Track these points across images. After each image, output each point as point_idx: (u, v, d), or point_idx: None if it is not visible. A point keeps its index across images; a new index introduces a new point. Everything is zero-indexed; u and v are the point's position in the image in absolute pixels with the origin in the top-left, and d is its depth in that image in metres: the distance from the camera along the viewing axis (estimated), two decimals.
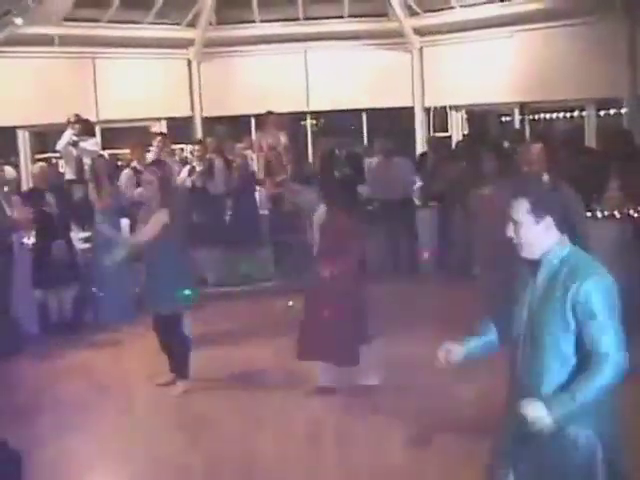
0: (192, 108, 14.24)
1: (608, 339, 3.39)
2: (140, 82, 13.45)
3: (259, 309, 9.84)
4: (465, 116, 14.41)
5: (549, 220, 3.54)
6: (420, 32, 13.85)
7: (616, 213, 9.02)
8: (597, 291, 3.41)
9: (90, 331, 9.33)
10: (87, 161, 10.46)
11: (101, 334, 9.25)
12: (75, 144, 10.96)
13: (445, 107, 14.25)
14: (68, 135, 11.05)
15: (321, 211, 7.18)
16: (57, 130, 11.78)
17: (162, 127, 13.85)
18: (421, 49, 13.98)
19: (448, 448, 5.93)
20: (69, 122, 11.03)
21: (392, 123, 15.78)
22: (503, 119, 15.33)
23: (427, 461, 5.81)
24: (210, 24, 13.96)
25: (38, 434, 6.49)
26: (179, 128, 14.19)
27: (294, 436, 6.40)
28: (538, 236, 3.56)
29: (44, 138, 13.72)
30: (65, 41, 12.44)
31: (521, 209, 3.55)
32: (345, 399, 7.02)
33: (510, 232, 3.62)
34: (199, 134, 13.89)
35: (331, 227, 6.97)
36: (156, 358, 7.75)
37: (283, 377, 7.53)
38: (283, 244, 11.20)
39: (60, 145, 11.13)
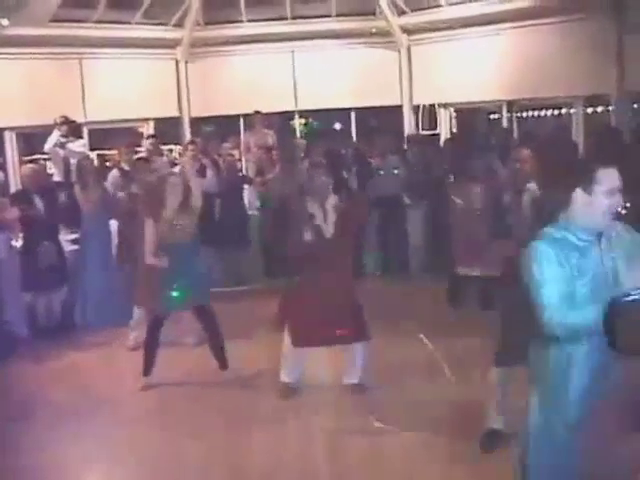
0: (180, 108, 14.21)
1: None
2: (128, 83, 13.40)
3: (248, 309, 9.82)
4: (454, 114, 14.44)
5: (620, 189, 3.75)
6: (408, 30, 13.86)
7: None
8: None
9: (79, 334, 9.29)
10: (74, 162, 10.44)
11: (90, 337, 9.19)
12: (62, 145, 10.95)
13: (434, 105, 14.27)
14: (55, 136, 11.03)
15: (333, 200, 7.13)
16: (44, 132, 11.75)
17: (150, 128, 13.83)
18: (409, 47, 13.99)
19: (431, 446, 5.97)
20: (56, 124, 11.00)
21: (380, 122, 15.80)
22: (492, 117, 15.37)
23: (411, 459, 5.84)
24: (197, 24, 13.92)
25: (29, 437, 6.48)
26: (167, 128, 14.16)
27: (286, 436, 6.43)
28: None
29: (31, 139, 13.68)
30: (52, 42, 12.38)
31: (617, 177, 3.74)
32: (334, 398, 7.07)
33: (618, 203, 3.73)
34: (187, 134, 13.87)
35: (345, 216, 7.00)
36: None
37: (272, 377, 7.53)
38: (272, 244, 11.18)
39: (47, 146, 11.11)
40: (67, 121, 11.06)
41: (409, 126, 14.16)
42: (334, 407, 6.93)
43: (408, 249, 11.57)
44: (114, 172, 10.13)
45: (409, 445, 6.07)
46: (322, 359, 7.57)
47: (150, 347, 7.56)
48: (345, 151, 11.90)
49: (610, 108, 12.21)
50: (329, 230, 6.93)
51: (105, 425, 6.77)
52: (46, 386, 7.80)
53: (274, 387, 7.26)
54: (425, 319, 8.93)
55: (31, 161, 11.71)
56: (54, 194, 9.46)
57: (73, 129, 11.26)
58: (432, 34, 13.58)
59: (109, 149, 13.74)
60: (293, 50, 14.10)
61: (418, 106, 14.29)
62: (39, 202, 9.03)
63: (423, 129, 14.24)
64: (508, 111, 13.19)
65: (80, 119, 12.36)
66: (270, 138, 12.29)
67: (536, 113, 14.25)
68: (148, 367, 7.57)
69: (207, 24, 14.09)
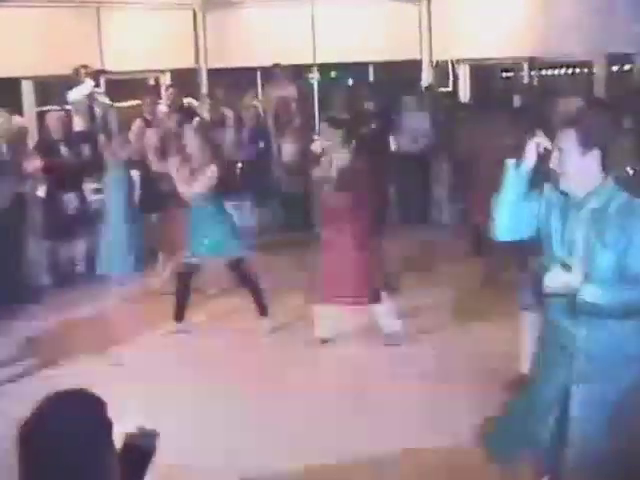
0: (197, 60, 14.08)
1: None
2: (145, 33, 13.24)
3: (268, 261, 9.85)
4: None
5: (596, 154, 3.52)
6: None
7: (629, 169, 8.97)
8: None
9: (103, 283, 9.29)
10: (98, 112, 10.40)
11: (113, 286, 9.19)
12: (92, 95, 10.85)
13: (446, 61, 14.14)
14: (89, 86, 10.89)
15: (343, 156, 7.10)
16: (60, 81, 11.64)
17: (167, 78, 13.72)
18: (429, 1, 13.80)
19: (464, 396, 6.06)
20: (87, 73, 10.89)
21: (395, 77, 15.64)
22: (504, 74, 15.28)
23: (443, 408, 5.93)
24: None
25: (51, 383, 6.49)
26: (184, 80, 14.02)
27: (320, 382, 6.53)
28: (582, 169, 3.54)
29: (45, 89, 13.53)
30: None
31: (569, 139, 3.53)
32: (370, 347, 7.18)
33: (554, 162, 3.60)
34: (204, 86, 13.76)
35: (352, 174, 6.96)
36: (167, 308, 7.81)
37: (291, 328, 7.68)
38: (293, 196, 11.20)
39: (77, 96, 10.91)
40: (99, 71, 11.01)
41: (427, 81, 14.01)
42: (367, 357, 7.04)
43: (430, 202, 11.63)
44: (138, 122, 10.05)
45: (441, 395, 6.15)
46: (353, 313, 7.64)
47: (181, 294, 7.67)
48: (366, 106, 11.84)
49: (626, 67, 12.15)
50: (333, 185, 6.93)
51: (135, 374, 6.80)
52: (68, 334, 7.86)
53: (298, 337, 7.43)
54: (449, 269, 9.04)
55: (47, 111, 11.61)
56: (79, 143, 9.43)
57: (95, 79, 11.18)
58: None
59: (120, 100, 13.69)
60: (312, 2, 13.91)
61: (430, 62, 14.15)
62: (65, 151, 8.99)
63: (437, 86, 14.09)
64: (530, 69, 13.08)
65: (89, 69, 12.19)
66: (291, 90, 12.22)
67: (557, 71, 14.16)
68: (179, 313, 7.67)
69: None
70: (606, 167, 3.55)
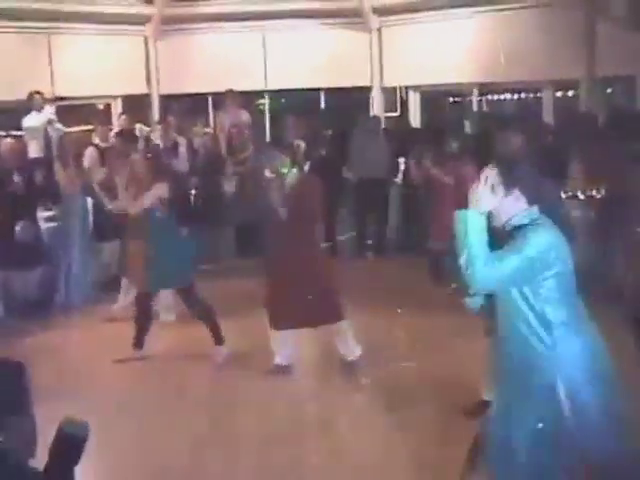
0: (149, 86, 14.06)
1: (509, 261, 3.54)
2: (96, 59, 13.19)
3: (221, 288, 9.82)
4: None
5: (504, 190, 3.67)
6: (379, 12, 13.84)
7: (579, 194, 9.15)
8: (538, 234, 3.58)
9: (57, 312, 9.19)
10: (54, 138, 10.35)
11: (68, 315, 9.12)
12: (51, 122, 10.80)
13: (395, 87, 14.30)
14: (48, 113, 10.84)
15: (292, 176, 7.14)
16: (8, 107, 11.57)
17: (118, 105, 13.68)
18: (380, 29, 13.96)
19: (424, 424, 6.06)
20: (47, 99, 10.85)
21: (345, 103, 15.79)
22: (453, 99, 15.48)
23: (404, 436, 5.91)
24: (168, 0, 13.76)
25: None
26: (135, 106, 13.99)
27: (274, 415, 6.46)
28: (497, 205, 3.68)
29: None
30: (20, 16, 12.15)
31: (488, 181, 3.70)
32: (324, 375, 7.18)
33: None
34: (156, 112, 13.74)
35: (302, 193, 6.99)
36: (122, 337, 7.76)
37: (246, 355, 7.64)
38: (246, 223, 11.19)
39: (35, 122, 10.85)
40: (58, 98, 10.99)
41: (378, 108, 14.15)
42: (324, 387, 7.01)
43: (386, 229, 11.70)
44: (91, 149, 10.01)
45: (392, 420, 6.18)
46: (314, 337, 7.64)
47: (140, 321, 7.59)
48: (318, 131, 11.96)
49: (570, 93, 12.38)
50: (284, 210, 6.95)
51: (83, 405, 6.68)
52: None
53: (248, 363, 7.40)
54: (405, 296, 9.08)
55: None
56: (33, 170, 9.35)
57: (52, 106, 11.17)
58: (403, 16, 13.57)
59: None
60: (264, 29, 14.00)
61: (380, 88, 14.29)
62: (18, 179, 8.91)
63: (385, 111, 14.23)
64: (479, 94, 13.28)
65: (48, 95, 12.13)
66: (244, 117, 12.27)
67: (503, 97, 14.39)
68: (139, 340, 7.61)
69: (177, 1, 13.90)
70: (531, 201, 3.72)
